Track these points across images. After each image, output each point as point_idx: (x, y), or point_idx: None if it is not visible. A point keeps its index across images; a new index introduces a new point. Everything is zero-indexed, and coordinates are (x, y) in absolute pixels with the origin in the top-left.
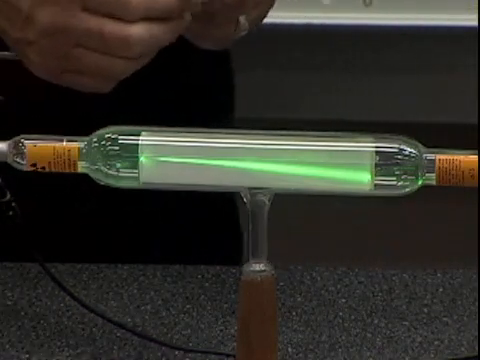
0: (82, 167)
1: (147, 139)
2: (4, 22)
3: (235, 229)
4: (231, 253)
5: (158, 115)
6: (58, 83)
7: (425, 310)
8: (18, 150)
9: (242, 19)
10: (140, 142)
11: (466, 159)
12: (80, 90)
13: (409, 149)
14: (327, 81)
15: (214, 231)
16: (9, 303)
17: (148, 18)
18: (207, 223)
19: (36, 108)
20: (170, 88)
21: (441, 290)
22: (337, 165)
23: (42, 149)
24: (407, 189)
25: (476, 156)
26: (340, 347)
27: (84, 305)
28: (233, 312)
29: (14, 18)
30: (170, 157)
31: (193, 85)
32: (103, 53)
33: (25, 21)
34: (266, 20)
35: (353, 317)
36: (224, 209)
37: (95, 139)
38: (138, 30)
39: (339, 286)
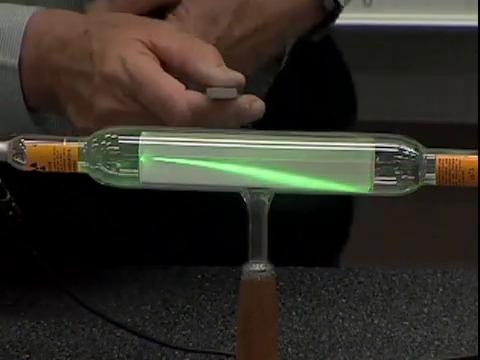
0: (82, 167)
1: (147, 139)
2: (70, 108)
3: (236, 229)
4: (232, 253)
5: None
6: None
7: (425, 310)
8: (18, 150)
9: None
10: (140, 142)
11: (466, 159)
12: None
13: (409, 149)
14: None
15: (215, 231)
16: (9, 303)
17: None
18: (208, 223)
19: None
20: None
21: (441, 290)
22: (337, 165)
23: (42, 149)
24: (407, 189)
25: (476, 156)
26: (340, 347)
27: (84, 305)
28: (233, 312)
29: (78, 105)
30: (170, 157)
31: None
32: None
33: (88, 109)
34: None
35: (353, 317)
36: (225, 209)
37: (95, 139)
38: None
39: (339, 286)
